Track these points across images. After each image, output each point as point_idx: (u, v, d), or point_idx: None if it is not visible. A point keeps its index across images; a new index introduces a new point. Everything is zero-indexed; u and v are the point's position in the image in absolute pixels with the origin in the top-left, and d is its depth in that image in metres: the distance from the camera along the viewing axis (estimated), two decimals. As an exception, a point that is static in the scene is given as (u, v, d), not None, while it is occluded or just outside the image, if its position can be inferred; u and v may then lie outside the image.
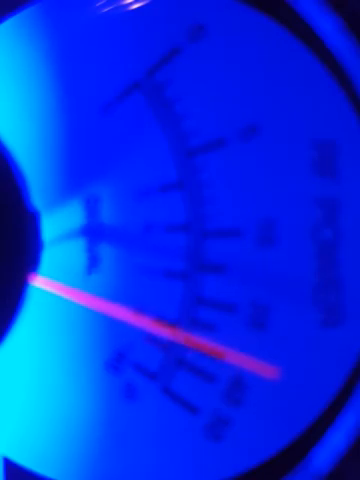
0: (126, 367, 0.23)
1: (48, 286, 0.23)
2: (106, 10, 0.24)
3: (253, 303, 0.23)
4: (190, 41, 0.23)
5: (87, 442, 0.23)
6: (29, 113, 0.24)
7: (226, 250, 0.23)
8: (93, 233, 0.23)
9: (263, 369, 0.23)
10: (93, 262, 0.23)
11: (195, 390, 0.23)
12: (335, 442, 0.23)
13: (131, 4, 0.24)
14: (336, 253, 0.23)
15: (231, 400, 0.23)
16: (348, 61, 0.23)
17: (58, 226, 0.23)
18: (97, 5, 0.24)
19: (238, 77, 0.23)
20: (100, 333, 0.23)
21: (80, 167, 0.23)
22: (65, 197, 0.24)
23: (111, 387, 0.23)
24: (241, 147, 0.23)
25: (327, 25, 0.23)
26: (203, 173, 0.23)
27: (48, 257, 0.23)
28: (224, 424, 0.23)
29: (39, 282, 0.23)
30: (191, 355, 0.23)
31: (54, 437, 0.24)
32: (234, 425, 0.23)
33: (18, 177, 0.23)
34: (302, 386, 0.23)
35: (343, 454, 0.23)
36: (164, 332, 0.23)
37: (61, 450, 0.24)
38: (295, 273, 0.23)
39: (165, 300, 0.23)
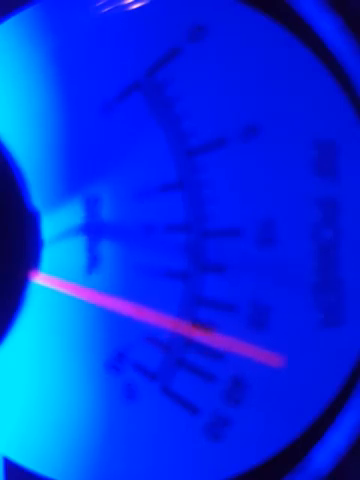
0: (126, 367, 0.23)
1: (48, 286, 0.23)
2: (106, 10, 0.24)
3: (253, 303, 0.23)
4: (190, 41, 0.23)
5: (87, 442, 0.23)
6: (29, 113, 0.24)
7: (226, 250, 0.23)
8: (93, 233, 0.23)
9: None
10: (93, 262, 0.23)
11: (195, 390, 0.23)
12: (335, 442, 0.23)
13: (131, 4, 0.24)
14: (336, 253, 0.23)
15: (231, 400, 0.23)
16: (348, 61, 0.23)
17: (58, 226, 0.23)
18: (97, 5, 0.24)
19: (238, 77, 0.23)
20: (100, 333, 0.23)
21: (80, 167, 0.23)
22: (65, 197, 0.24)
23: (111, 387, 0.23)
24: (241, 147, 0.23)
25: (327, 25, 0.23)
26: (203, 173, 0.23)
27: (48, 257, 0.23)
28: (224, 424, 0.23)
29: (39, 282, 0.23)
30: (191, 355, 0.23)
31: (54, 437, 0.24)
32: (234, 425, 0.23)
33: (18, 177, 0.23)
34: (302, 386, 0.23)
35: (343, 454, 0.23)
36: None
37: (61, 450, 0.23)
38: (295, 273, 0.23)
39: (165, 300, 0.23)
